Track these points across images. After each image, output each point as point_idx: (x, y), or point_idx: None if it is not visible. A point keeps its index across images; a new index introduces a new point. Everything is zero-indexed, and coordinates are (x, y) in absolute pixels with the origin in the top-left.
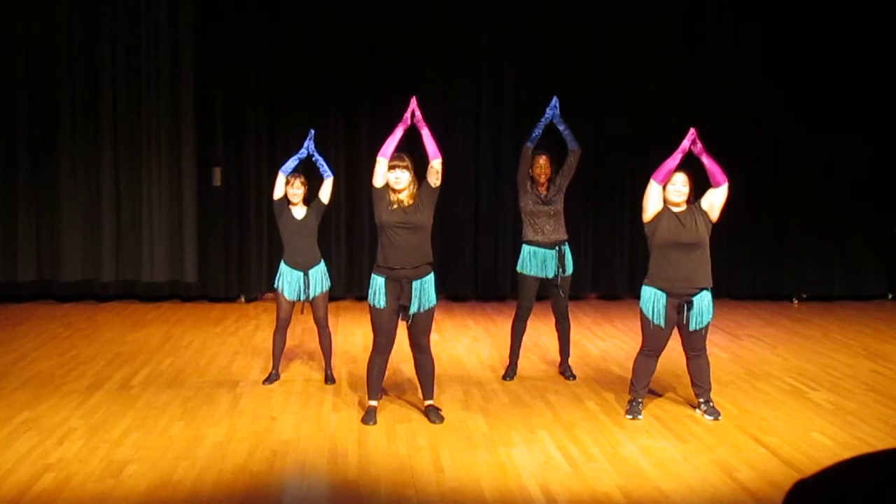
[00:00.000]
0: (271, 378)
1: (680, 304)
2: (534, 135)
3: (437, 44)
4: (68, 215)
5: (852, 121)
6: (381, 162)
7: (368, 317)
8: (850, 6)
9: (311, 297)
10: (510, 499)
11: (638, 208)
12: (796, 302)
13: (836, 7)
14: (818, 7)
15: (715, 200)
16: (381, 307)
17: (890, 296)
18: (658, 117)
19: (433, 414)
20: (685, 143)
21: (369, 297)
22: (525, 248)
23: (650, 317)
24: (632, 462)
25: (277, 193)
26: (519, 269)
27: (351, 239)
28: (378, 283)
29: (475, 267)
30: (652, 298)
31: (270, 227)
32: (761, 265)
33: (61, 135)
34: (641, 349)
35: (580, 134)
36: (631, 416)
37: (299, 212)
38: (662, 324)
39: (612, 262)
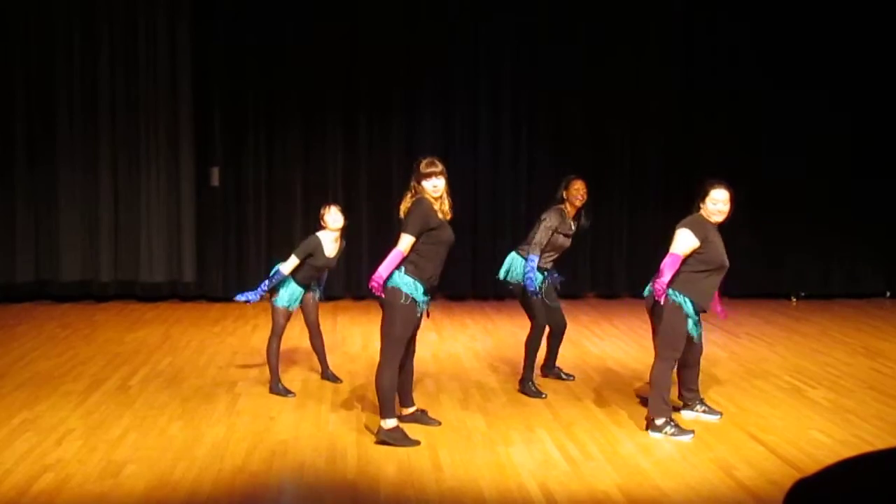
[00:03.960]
0: (280, 391)
1: (698, 319)
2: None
3: (436, 42)
4: (66, 215)
5: (851, 120)
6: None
7: (367, 317)
8: (851, 7)
9: (299, 303)
10: (509, 498)
11: (637, 208)
12: (795, 300)
13: (837, 6)
14: (818, 7)
15: None
16: (418, 315)
17: (888, 294)
18: (658, 116)
19: (427, 417)
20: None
21: (405, 304)
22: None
23: (688, 326)
24: (630, 460)
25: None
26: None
27: (349, 239)
28: (419, 290)
29: (473, 266)
30: (691, 310)
31: (269, 227)
32: (760, 263)
33: (59, 135)
34: (667, 359)
35: (579, 134)
36: (686, 437)
37: (333, 247)
38: (695, 334)
39: (610, 261)
